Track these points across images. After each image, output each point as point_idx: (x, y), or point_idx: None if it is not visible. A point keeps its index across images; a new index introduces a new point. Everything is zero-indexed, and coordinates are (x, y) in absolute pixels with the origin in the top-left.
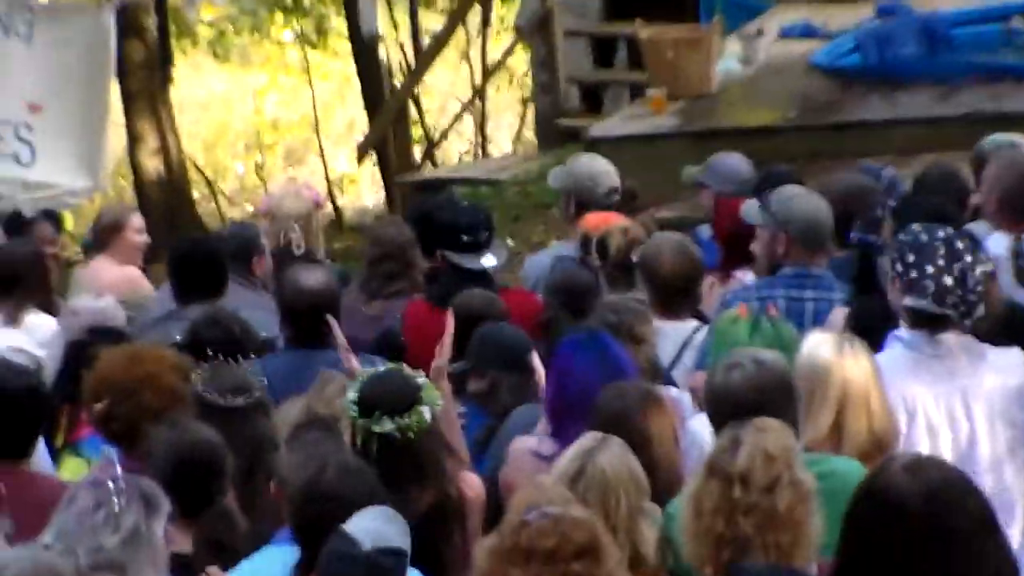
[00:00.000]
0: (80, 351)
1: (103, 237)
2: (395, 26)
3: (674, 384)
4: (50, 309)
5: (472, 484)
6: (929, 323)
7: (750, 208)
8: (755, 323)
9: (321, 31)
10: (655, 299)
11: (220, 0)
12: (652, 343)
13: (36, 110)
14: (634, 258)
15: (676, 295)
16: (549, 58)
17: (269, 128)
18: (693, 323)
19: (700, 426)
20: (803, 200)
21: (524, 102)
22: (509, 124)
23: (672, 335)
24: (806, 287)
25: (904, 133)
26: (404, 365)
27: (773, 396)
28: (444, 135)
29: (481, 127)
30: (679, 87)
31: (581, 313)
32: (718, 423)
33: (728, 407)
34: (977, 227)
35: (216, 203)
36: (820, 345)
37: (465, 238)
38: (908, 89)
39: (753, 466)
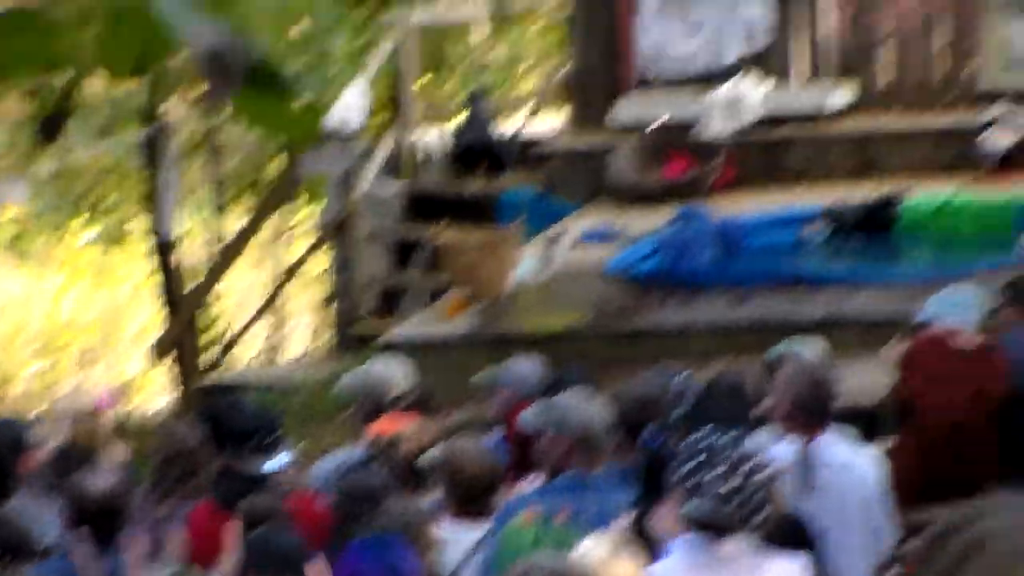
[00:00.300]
0: None
1: None
2: (195, 227)
3: None
4: None
5: None
6: (709, 529)
7: (527, 414)
8: (540, 529)
9: (120, 232)
10: (454, 501)
11: (19, 200)
12: (438, 549)
13: None
14: (424, 463)
15: (476, 497)
16: (348, 260)
17: (64, 329)
18: (486, 526)
19: None
20: (582, 406)
21: (322, 304)
22: (307, 325)
23: (464, 540)
24: (587, 492)
25: (699, 339)
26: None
27: None
28: (239, 337)
29: (278, 329)
30: (477, 290)
31: (369, 517)
32: None
33: None
34: (765, 433)
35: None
36: (591, 550)
37: (252, 441)
38: (704, 295)
39: None
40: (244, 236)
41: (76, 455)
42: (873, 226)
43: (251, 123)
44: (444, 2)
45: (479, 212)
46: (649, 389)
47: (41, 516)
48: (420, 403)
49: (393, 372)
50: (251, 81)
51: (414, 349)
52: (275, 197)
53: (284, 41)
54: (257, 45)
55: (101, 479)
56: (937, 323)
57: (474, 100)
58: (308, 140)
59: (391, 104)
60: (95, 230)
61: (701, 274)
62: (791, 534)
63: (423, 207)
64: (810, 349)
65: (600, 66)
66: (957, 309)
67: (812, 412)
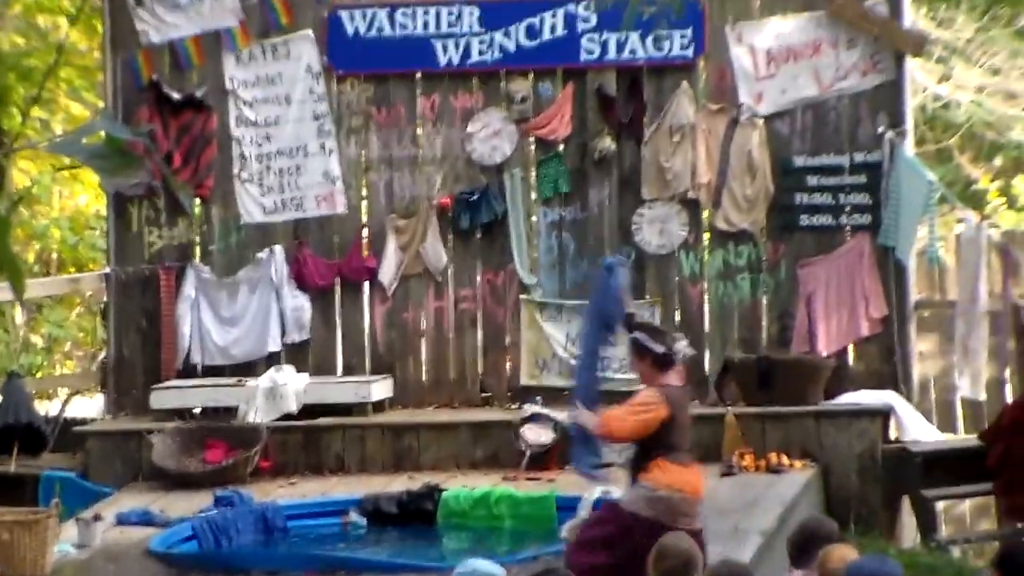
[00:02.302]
0: None
1: None
2: None
3: None
4: None
5: None
6: None
7: None
8: None
9: None
10: None
11: None
12: None
13: None
14: None
15: None
16: None
17: None
18: None
19: None
20: None
21: None
22: None
23: None
24: None
25: None
26: None
27: None
28: None
29: None
30: (13, 568)
31: None
32: None
33: None
34: None
35: None
36: None
37: None
38: None
39: None
40: None
41: None
42: (412, 516)
43: None
44: None
45: (17, 491)
46: None
47: None
48: None
49: None
50: None
51: None
52: None
53: None
54: None
55: None
56: None
57: (12, 380)
58: None
59: None
60: None
61: (242, 556)
62: None
63: None
64: None
65: (139, 351)
66: None
67: None
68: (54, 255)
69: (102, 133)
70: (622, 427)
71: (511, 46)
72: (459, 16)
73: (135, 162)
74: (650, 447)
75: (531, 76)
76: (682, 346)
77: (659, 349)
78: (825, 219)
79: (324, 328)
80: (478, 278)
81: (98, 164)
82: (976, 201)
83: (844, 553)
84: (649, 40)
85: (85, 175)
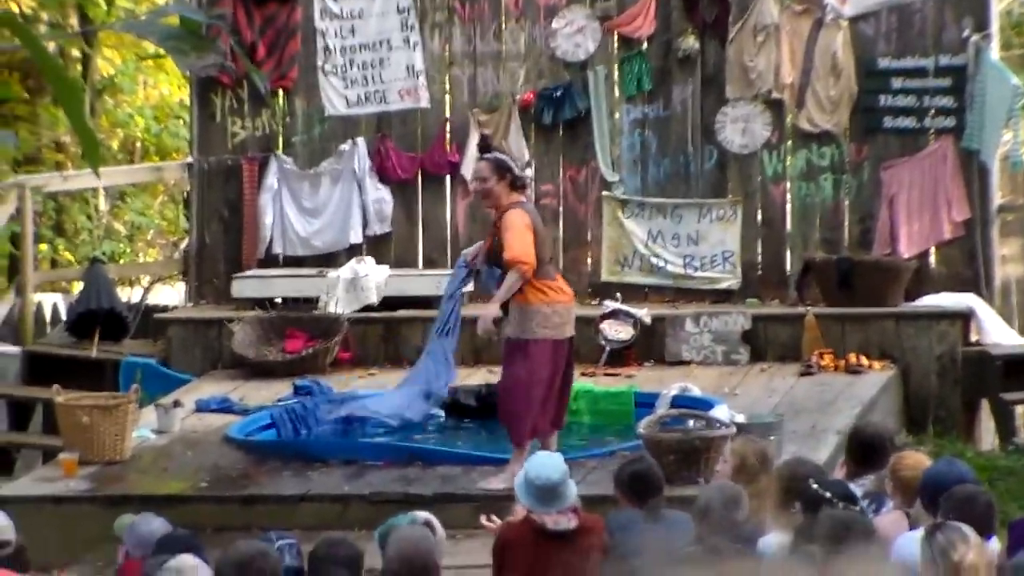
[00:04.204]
0: None
1: None
2: None
3: None
4: None
5: None
6: None
7: None
8: None
9: None
10: None
11: None
12: None
13: None
14: None
15: None
16: None
17: None
18: None
19: None
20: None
21: None
22: None
23: None
24: None
25: (313, 509)
26: None
27: None
28: None
29: None
30: (93, 452)
31: None
32: None
33: None
34: None
35: None
36: None
37: None
38: (320, 467)
39: None
40: None
41: None
42: (490, 409)
43: None
44: (68, 169)
45: (97, 376)
46: (250, 554)
47: None
48: (14, 558)
49: None
50: None
51: (26, 505)
52: None
53: None
54: None
55: None
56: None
57: (95, 266)
58: None
59: (11, 267)
60: None
61: (319, 445)
62: None
63: (41, 369)
64: (419, 524)
65: (221, 240)
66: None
67: None
68: (138, 144)
69: (176, 17)
70: (528, 252)
71: None
72: None
73: (209, 44)
74: None
75: None
76: (530, 170)
77: (516, 169)
78: (909, 121)
79: (406, 221)
80: (560, 174)
81: (172, 45)
82: None
83: (918, 460)
84: None
85: (168, 64)
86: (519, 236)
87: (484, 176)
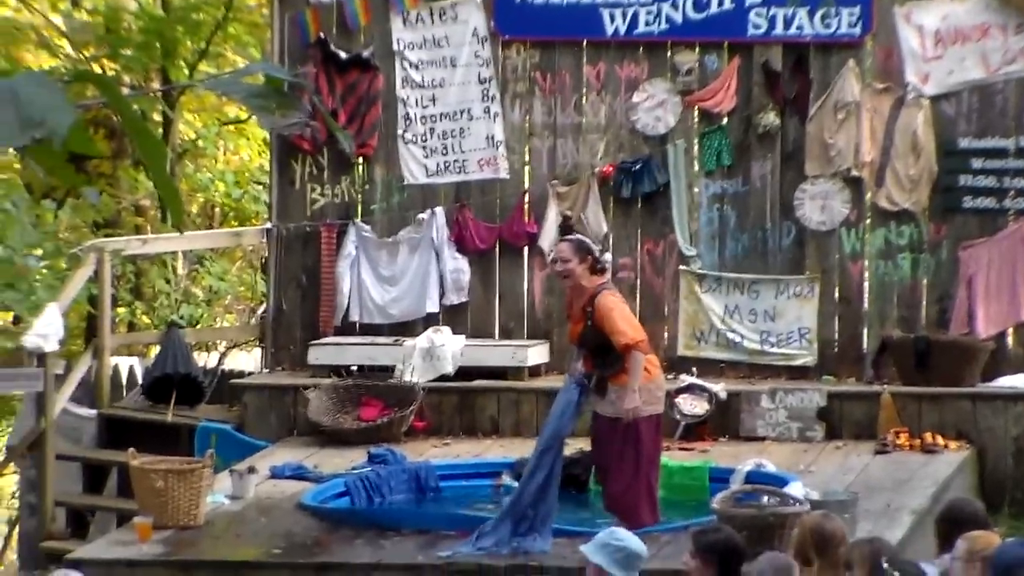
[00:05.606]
0: None
1: None
2: None
3: None
4: None
5: None
6: None
7: None
8: None
9: None
10: None
11: None
12: None
13: None
14: None
15: None
16: (39, 480)
17: None
18: None
19: None
20: None
21: (10, 523)
22: None
23: None
24: None
25: None
26: None
27: None
28: None
29: None
30: (167, 517)
31: None
32: None
33: None
34: None
35: None
36: None
37: None
38: (393, 536)
39: None
40: None
41: None
42: (564, 481)
43: None
44: (146, 233)
45: (173, 441)
46: None
47: None
48: None
49: None
50: None
51: (100, 569)
52: None
53: None
54: None
55: None
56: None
57: (172, 330)
58: None
59: (89, 329)
60: None
61: (393, 514)
62: None
63: (117, 433)
64: None
65: (298, 306)
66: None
67: None
68: (217, 208)
69: (260, 76)
70: (640, 331)
71: (678, 18)
72: None
73: (293, 102)
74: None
75: (697, 48)
76: (608, 255)
77: (597, 252)
78: (988, 201)
79: (483, 291)
80: (638, 247)
81: (257, 103)
82: None
83: (989, 539)
84: (816, 17)
85: (249, 130)
86: (626, 318)
87: (566, 258)
